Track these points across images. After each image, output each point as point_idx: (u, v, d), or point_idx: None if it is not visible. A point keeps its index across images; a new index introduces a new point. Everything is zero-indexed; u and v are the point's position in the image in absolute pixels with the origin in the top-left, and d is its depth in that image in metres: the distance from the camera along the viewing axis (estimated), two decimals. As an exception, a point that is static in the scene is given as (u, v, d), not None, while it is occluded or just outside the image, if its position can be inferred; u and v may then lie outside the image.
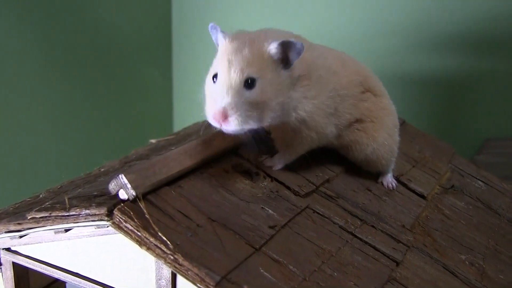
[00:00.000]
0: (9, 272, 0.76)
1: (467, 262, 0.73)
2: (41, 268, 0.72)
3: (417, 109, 1.72)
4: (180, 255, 0.51)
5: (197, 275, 0.51)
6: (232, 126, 0.63)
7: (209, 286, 0.50)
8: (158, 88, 2.00)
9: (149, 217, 0.54)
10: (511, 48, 1.57)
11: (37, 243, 0.69)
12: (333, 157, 0.82)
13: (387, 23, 1.69)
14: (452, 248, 0.75)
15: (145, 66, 1.92)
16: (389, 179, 0.83)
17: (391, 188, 0.82)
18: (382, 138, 0.80)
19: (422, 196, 0.84)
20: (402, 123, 1.10)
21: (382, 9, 1.69)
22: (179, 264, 0.52)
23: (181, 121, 2.02)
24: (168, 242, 0.52)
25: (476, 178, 1.00)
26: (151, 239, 0.53)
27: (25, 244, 0.71)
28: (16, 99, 1.47)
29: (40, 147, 1.57)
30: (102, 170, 0.86)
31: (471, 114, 1.68)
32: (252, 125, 0.64)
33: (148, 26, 1.93)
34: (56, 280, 0.83)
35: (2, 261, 0.75)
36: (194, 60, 2.03)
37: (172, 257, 0.52)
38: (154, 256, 0.53)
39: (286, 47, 0.64)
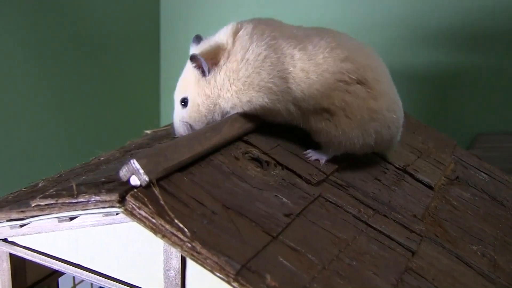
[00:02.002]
0: (5, 264, 0.73)
1: (478, 253, 0.72)
2: (40, 260, 0.69)
3: (408, 103, 1.71)
4: (198, 243, 0.49)
5: (217, 263, 0.48)
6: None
7: (229, 274, 0.48)
8: (146, 83, 1.98)
9: (164, 204, 0.52)
10: (503, 44, 1.57)
11: (36, 233, 0.66)
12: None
13: (380, 17, 1.69)
14: (463, 239, 0.74)
15: (133, 61, 1.90)
16: (317, 156, 0.75)
17: (313, 160, 0.74)
18: (354, 135, 0.74)
19: (429, 186, 0.83)
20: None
21: (375, 3, 1.69)
22: (196, 252, 0.49)
23: (168, 115, 1.99)
24: (185, 229, 0.50)
25: (480, 170, 0.99)
26: (167, 226, 0.50)
27: (23, 235, 0.68)
28: (5, 93, 1.44)
29: (27, 140, 1.54)
30: (102, 159, 0.83)
31: (463, 109, 1.68)
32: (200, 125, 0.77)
33: (137, 21, 1.91)
34: (54, 273, 0.81)
35: (-2, 253, 0.73)
36: (182, 55, 2.00)
37: (189, 245, 0.50)
38: (170, 244, 0.51)
39: (194, 60, 0.74)
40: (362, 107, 0.73)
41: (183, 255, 0.51)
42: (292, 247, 0.55)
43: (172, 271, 0.58)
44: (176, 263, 0.57)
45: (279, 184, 0.65)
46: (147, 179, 0.53)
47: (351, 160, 0.80)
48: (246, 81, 0.72)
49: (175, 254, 0.56)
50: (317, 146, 0.77)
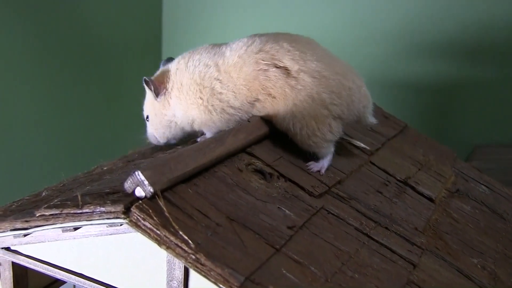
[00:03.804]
0: (7, 273, 0.73)
1: (479, 266, 0.72)
2: (42, 269, 0.69)
3: (406, 115, 1.72)
4: (202, 255, 0.50)
5: (221, 275, 0.49)
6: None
7: (233, 286, 0.48)
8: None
9: (169, 215, 0.52)
10: (501, 56, 1.58)
11: (39, 242, 0.67)
12: (342, 157, 0.82)
13: (379, 29, 1.70)
14: (463, 252, 0.74)
15: (135, 69, 1.90)
16: (317, 167, 0.78)
17: (315, 171, 0.77)
18: (294, 111, 0.77)
19: (430, 199, 0.83)
20: (405, 127, 1.10)
21: (375, 15, 1.70)
22: (201, 264, 0.50)
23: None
24: (190, 241, 0.50)
25: (480, 183, 1.00)
26: (171, 238, 0.51)
27: (26, 244, 0.68)
28: (6, 98, 1.44)
29: (28, 147, 1.54)
30: (105, 168, 0.83)
31: (461, 121, 1.69)
32: (162, 140, 0.90)
33: (139, 29, 1.92)
34: (55, 281, 0.81)
35: (1, 261, 0.73)
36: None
37: (193, 257, 0.50)
38: (174, 256, 0.51)
39: (146, 83, 0.86)
40: (283, 85, 0.77)
41: (188, 266, 0.51)
42: (296, 260, 0.55)
43: (175, 282, 0.58)
44: (179, 274, 0.57)
45: (282, 196, 0.65)
46: (151, 190, 0.54)
47: (353, 172, 0.81)
48: (186, 103, 0.83)
49: (178, 265, 0.56)
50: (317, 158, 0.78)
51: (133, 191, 0.54)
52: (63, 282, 0.81)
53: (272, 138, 0.77)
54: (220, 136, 0.69)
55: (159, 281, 0.60)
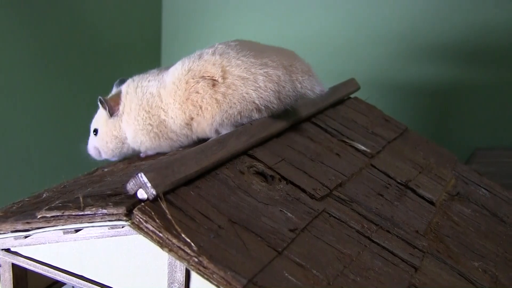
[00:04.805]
0: (7, 274, 0.73)
1: (480, 270, 0.72)
2: (43, 270, 0.69)
3: (406, 118, 1.72)
4: (204, 257, 0.49)
5: (223, 278, 0.49)
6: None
7: (236, 290, 0.48)
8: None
9: (171, 218, 0.52)
10: (501, 59, 1.59)
11: (39, 244, 0.66)
12: (343, 160, 0.82)
13: (380, 32, 1.70)
14: (464, 255, 0.74)
15: (136, 71, 1.90)
16: None
17: None
18: (217, 120, 0.80)
19: (431, 202, 0.83)
20: (405, 130, 1.10)
21: (375, 18, 1.70)
22: (203, 266, 0.50)
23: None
24: (192, 244, 0.50)
25: (480, 186, 1.00)
26: (174, 241, 0.50)
27: (26, 245, 0.68)
28: (7, 99, 1.44)
29: (26, 147, 1.54)
30: (106, 170, 0.83)
31: (461, 124, 1.69)
32: (105, 156, 0.94)
33: (140, 29, 1.91)
34: (55, 283, 0.80)
35: (0, 262, 0.72)
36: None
37: (196, 260, 0.50)
38: (177, 258, 0.51)
39: (101, 103, 0.90)
40: (212, 94, 0.79)
41: (190, 269, 0.51)
42: (298, 262, 0.55)
43: (176, 284, 0.58)
44: (181, 276, 0.57)
45: (284, 199, 0.65)
46: (154, 192, 0.53)
47: (354, 175, 0.81)
48: (135, 128, 0.87)
49: (180, 267, 0.56)
50: None
51: (135, 193, 0.54)
52: (63, 284, 0.81)
53: (274, 140, 0.77)
54: (222, 138, 0.69)
55: (160, 283, 0.59)
